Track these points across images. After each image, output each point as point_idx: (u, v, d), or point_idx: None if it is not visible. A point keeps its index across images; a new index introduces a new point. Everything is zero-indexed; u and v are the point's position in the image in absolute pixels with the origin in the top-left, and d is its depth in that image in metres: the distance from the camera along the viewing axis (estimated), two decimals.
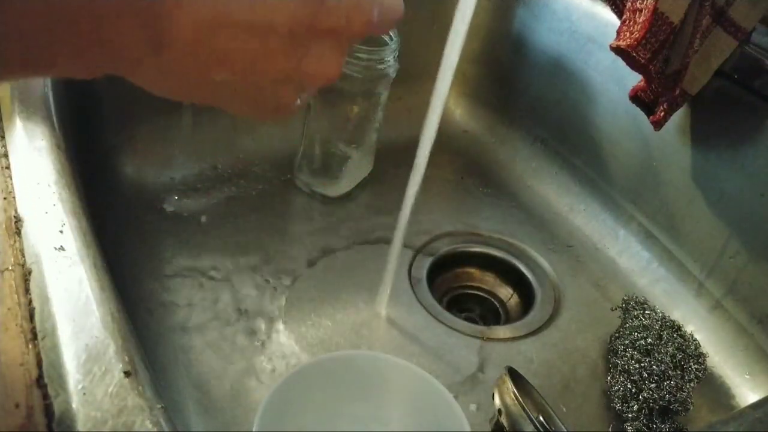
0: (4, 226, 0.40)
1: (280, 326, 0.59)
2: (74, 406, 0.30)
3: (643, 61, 0.55)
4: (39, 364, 0.32)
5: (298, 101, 0.31)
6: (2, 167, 0.44)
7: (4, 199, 0.42)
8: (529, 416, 0.46)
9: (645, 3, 0.55)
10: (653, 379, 0.55)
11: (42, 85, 0.51)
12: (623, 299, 0.64)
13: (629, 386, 0.55)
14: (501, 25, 0.84)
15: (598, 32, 0.72)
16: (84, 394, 0.31)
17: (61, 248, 0.38)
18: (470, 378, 0.57)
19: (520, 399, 0.46)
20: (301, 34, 0.26)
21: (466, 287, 0.70)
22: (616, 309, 0.64)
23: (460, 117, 0.88)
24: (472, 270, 0.71)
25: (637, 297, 0.64)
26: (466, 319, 0.65)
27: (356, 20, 0.28)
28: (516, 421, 0.46)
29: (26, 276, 0.37)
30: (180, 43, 0.25)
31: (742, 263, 0.61)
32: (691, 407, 0.55)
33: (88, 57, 0.25)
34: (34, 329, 0.34)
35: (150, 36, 0.25)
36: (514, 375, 0.50)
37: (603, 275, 0.70)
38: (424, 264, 0.68)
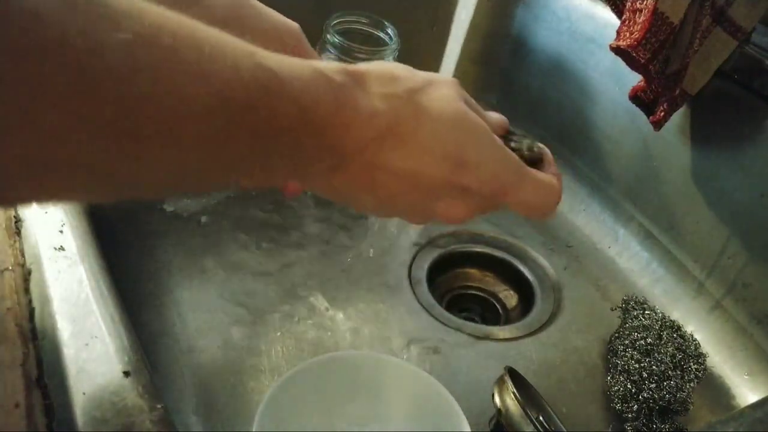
0: (4, 226, 0.40)
1: (280, 326, 0.59)
2: (74, 406, 0.30)
3: (643, 61, 0.55)
4: (39, 364, 0.32)
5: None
6: None
7: None
8: (529, 416, 0.46)
9: (645, 3, 0.55)
10: (653, 379, 0.55)
11: None
12: (623, 299, 0.64)
13: (629, 386, 0.55)
14: (501, 25, 0.84)
15: (598, 32, 0.72)
16: (84, 394, 0.31)
17: (61, 248, 0.38)
18: (470, 378, 0.57)
19: (520, 399, 0.46)
20: (438, 187, 0.31)
21: (466, 287, 0.70)
22: (616, 309, 0.64)
23: None
24: (472, 270, 0.71)
25: (636, 297, 0.64)
26: (466, 319, 0.65)
27: (490, 188, 0.32)
28: (516, 421, 0.46)
29: (26, 276, 0.37)
30: (349, 171, 0.29)
31: (742, 263, 0.61)
32: (691, 407, 0.55)
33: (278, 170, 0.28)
34: (35, 329, 0.34)
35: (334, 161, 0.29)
36: (514, 375, 0.50)
37: (603, 275, 0.70)
38: (425, 264, 0.68)
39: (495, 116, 0.36)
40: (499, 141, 0.33)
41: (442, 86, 0.31)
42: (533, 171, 0.34)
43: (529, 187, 0.33)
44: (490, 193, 0.32)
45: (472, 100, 0.33)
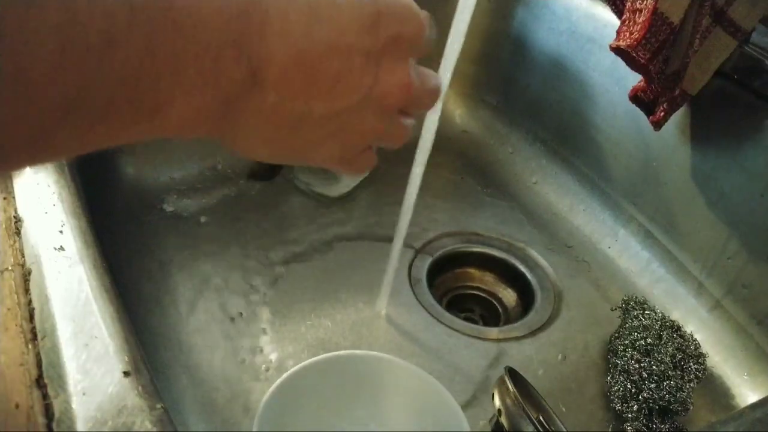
0: (4, 226, 0.40)
1: (281, 326, 0.59)
2: (74, 406, 0.30)
3: (642, 61, 0.55)
4: (39, 364, 0.32)
5: (375, 155, 0.33)
6: None
7: (4, 199, 0.42)
8: (528, 416, 0.46)
9: (645, 3, 0.55)
10: (653, 379, 0.55)
11: None
12: (623, 299, 0.64)
13: (629, 386, 0.55)
14: (501, 25, 0.84)
15: (598, 32, 0.72)
16: (84, 394, 0.31)
17: (61, 248, 0.38)
18: (470, 378, 0.57)
19: (520, 399, 0.46)
20: (371, 48, 0.28)
21: (466, 287, 0.70)
22: (615, 309, 0.64)
23: (460, 117, 0.88)
24: (472, 270, 0.71)
25: (636, 297, 0.64)
26: (466, 319, 0.65)
27: (412, 24, 0.30)
28: (516, 421, 0.46)
29: (26, 276, 0.37)
30: (274, 75, 0.26)
31: (742, 263, 0.61)
32: (691, 407, 0.55)
33: (199, 98, 0.25)
34: (34, 329, 0.34)
35: (247, 71, 0.25)
36: (514, 375, 0.50)
37: (603, 275, 0.70)
38: (424, 264, 0.68)
39: None
40: None
41: None
42: None
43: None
44: (414, 33, 0.30)
45: None
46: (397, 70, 0.30)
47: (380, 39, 0.28)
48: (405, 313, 0.62)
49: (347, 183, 0.74)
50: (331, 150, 0.31)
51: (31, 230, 0.39)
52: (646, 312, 0.62)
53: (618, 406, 0.55)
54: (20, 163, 0.25)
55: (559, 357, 0.61)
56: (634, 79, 0.60)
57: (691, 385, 0.56)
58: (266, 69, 0.26)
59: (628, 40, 0.55)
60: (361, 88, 0.29)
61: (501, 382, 0.49)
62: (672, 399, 0.54)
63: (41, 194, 0.42)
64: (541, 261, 0.71)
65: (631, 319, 0.61)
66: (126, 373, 0.32)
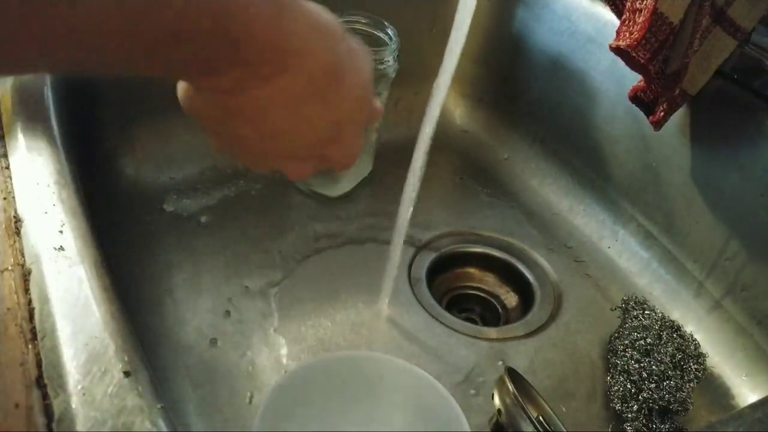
0: (4, 226, 0.40)
1: (281, 326, 0.59)
2: (74, 406, 0.30)
3: (642, 61, 0.55)
4: (39, 364, 0.32)
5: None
6: (2, 167, 0.44)
7: (4, 199, 0.42)
8: (528, 416, 0.46)
9: (644, 3, 0.55)
10: (653, 379, 0.55)
11: (42, 86, 0.51)
12: (623, 299, 0.64)
13: (629, 386, 0.55)
14: (501, 25, 0.84)
15: (598, 32, 0.72)
16: (83, 394, 0.31)
17: (61, 248, 0.38)
18: (470, 378, 0.57)
19: (520, 399, 0.46)
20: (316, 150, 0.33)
21: (466, 287, 0.70)
22: (615, 309, 0.64)
23: (460, 117, 0.88)
24: (472, 270, 0.71)
25: (636, 297, 0.64)
26: (466, 319, 0.65)
27: (345, 163, 0.36)
28: (516, 421, 0.46)
29: (26, 276, 0.37)
30: (252, 63, 0.28)
31: (742, 263, 0.61)
32: (691, 407, 0.55)
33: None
34: (34, 329, 0.34)
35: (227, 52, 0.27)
36: (514, 375, 0.50)
37: (603, 275, 0.70)
38: (424, 264, 0.68)
39: None
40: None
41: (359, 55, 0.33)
42: None
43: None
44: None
45: None
46: (351, 144, 0.35)
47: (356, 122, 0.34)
48: (405, 313, 0.62)
49: (347, 183, 0.74)
50: (259, 165, 0.35)
51: (31, 230, 0.39)
52: (646, 312, 0.62)
53: (618, 406, 0.55)
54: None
55: (559, 357, 0.61)
56: (634, 79, 0.60)
57: (691, 385, 0.56)
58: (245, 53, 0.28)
59: (628, 40, 0.55)
60: (313, 142, 0.33)
61: (501, 382, 0.49)
62: (672, 399, 0.54)
63: (41, 194, 0.42)
64: (541, 261, 0.71)
65: (631, 319, 0.61)
66: (126, 373, 0.32)
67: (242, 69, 0.28)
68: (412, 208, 0.55)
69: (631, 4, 0.56)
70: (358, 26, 0.68)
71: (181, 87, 0.31)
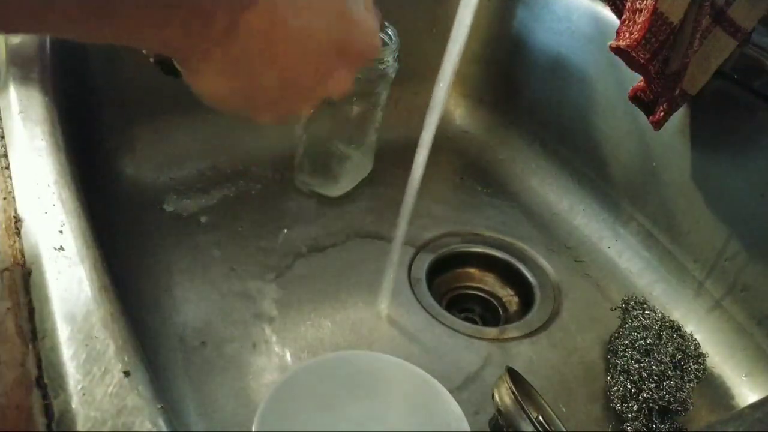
0: (4, 226, 0.40)
1: (280, 326, 0.59)
2: (74, 406, 0.30)
3: (642, 61, 0.55)
4: (39, 364, 0.32)
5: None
6: (2, 167, 0.44)
7: (4, 199, 0.42)
8: (528, 416, 0.46)
9: (644, 3, 0.55)
10: (653, 379, 0.55)
11: (42, 85, 0.51)
12: (623, 299, 0.64)
13: (629, 386, 0.55)
14: (501, 25, 0.84)
15: (598, 32, 0.72)
16: (83, 394, 0.31)
17: (61, 248, 0.38)
18: (470, 378, 0.57)
19: (520, 399, 0.46)
20: (333, 53, 0.32)
21: (466, 287, 0.70)
22: (615, 309, 0.64)
23: (460, 117, 0.88)
24: (472, 270, 0.71)
25: (636, 297, 0.64)
26: (466, 319, 0.65)
27: (372, 47, 0.34)
28: (515, 421, 0.46)
29: (26, 276, 0.37)
30: (246, 35, 0.29)
31: (742, 263, 0.61)
32: (691, 407, 0.55)
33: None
34: (34, 329, 0.34)
35: (226, 23, 0.28)
36: (514, 375, 0.50)
37: (603, 275, 0.70)
38: (424, 264, 0.68)
39: None
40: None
41: None
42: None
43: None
44: (371, 54, 0.35)
45: None
46: (345, 79, 0.34)
47: (345, 50, 0.33)
48: (405, 313, 0.62)
49: (347, 183, 0.74)
50: (266, 117, 0.35)
51: (31, 230, 0.39)
52: (646, 312, 0.62)
53: (618, 406, 0.55)
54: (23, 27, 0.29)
55: (559, 357, 0.61)
56: (634, 79, 0.60)
57: (691, 385, 0.56)
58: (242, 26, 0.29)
59: (628, 40, 0.55)
60: (308, 80, 0.33)
61: (501, 382, 0.49)
62: (672, 399, 0.54)
63: (41, 194, 0.42)
64: (541, 261, 0.71)
65: (631, 319, 0.61)
66: (126, 373, 0.32)
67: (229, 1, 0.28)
68: (412, 208, 0.55)
69: (631, 4, 0.56)
70: None
71: (189, 76, 0.32)
